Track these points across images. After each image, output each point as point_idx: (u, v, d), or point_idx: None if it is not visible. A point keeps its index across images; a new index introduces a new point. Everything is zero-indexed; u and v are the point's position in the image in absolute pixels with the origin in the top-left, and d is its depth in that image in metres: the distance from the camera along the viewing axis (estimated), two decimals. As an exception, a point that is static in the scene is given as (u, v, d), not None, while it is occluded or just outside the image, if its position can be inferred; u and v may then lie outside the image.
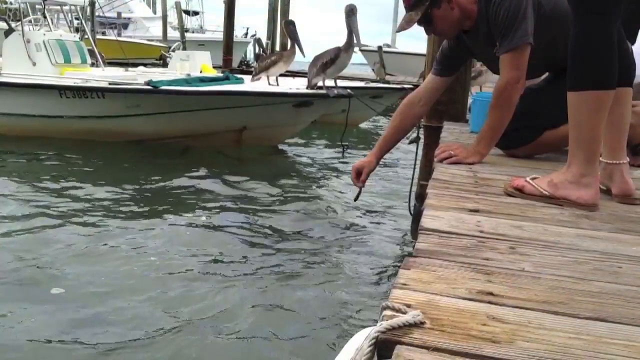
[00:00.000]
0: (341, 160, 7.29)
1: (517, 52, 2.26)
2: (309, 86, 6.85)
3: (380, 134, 10.91)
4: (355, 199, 3.01)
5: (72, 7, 10.44)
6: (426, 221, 1.43)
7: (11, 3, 11.08)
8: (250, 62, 19.27)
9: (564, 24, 1.82)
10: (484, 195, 1.79)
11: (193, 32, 27.81)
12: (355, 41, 5.96)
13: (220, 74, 9.28)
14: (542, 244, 1.33)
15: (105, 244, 3.75)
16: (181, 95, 7.02)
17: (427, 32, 2.60)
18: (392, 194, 5.56)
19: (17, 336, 2.56)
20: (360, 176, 2.64)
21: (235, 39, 18.26)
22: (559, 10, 2.27)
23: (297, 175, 6.61)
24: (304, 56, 7.42)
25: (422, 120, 3.98)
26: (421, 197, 3.82)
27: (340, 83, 7.81)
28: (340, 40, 6.13)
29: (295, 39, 7.33)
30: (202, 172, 6.08)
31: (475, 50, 2.55)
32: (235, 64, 17.60)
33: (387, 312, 0.89)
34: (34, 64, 8.31)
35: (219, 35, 20.84)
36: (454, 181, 1.97)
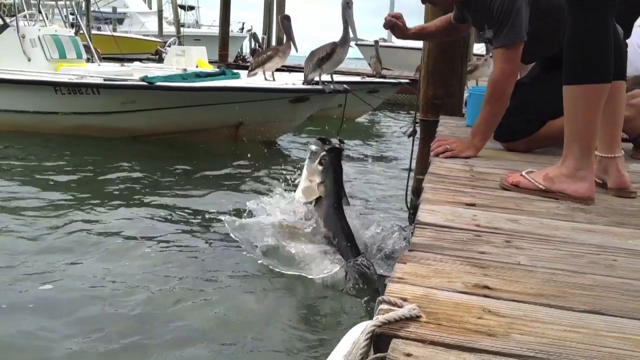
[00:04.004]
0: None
1: (511, 48, 2.30)
2: (306, 81, 6.84)
3: (377, 129, 10.91)
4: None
5: (67, 2, 10.41)
6: (422, 215, 1.44)
7: (6, -2, 11.05)
8: (247, 57, 19.22)
9: (559, 15, 1.83)
10: (480, 189, 1.80)
11: (189, 27, 27.71)
12: (351, 35, 5.94)
13: (217, 69, 9.25)
14: (537, 238, 1.33)
15: (97, 240, 3.73)
16: (176, 91, 7.00)
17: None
18: (390, 188, 5.56)
19: (6, 332, 2.56)
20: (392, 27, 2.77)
21: (231, 34, 18.23)
22: (555, 2, 2.29)
23: (293, 171, 6.60)
24: (297, 51, 7.41)
25: (419, 114, 4.00)
26: (418, 191, 3.82)
27: (337, 78, 7.80)
28: (338, 34, 6.11)
29: (289, 34, 7.32)
30: (198, 167, 6.07)
31: (472, 20, 2.59)
32: (231, 58, 17.57)
33: (384, 306, 0.89)
34: (29, 60, 8.28)
35: (215, 30, 20.81)
36: (450, 175, 1.98)
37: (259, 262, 3.22)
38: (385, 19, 2.79)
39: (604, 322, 0.91)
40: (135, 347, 2.47)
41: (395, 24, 2.76)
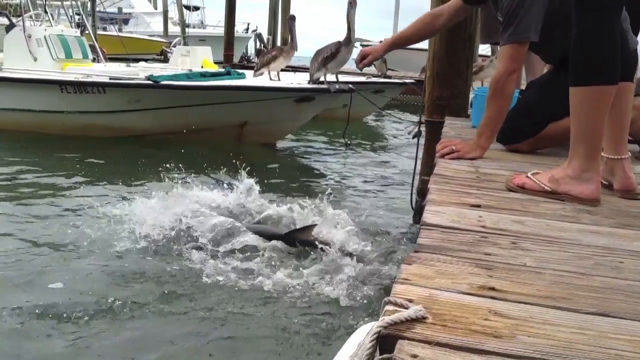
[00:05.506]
0: (343, 155, 7.28)
1: (516, 46, 2.28)
2: (311, 81, 6.85)
3: (383, 129, 10.91)
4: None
5: (73, 3, 10.44)
6: (428, 216, 1.43)
7: (12, -2, 11.12)
8: (251, 58, 19.23)
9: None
10: (485, 190, 1.79)
11: (194, 27, 27.76)
12: (351, 35, 5.96)
13: (222, 69, 9.28)
14: (543, 239, 1.33)
15: (102, 240, 3.74)
16: (182, 90, 7.01)
17: None
18: (395, 189, 5.56)
19: (14, 330, 2.57)
20: (364, 60, 2.90)
21: (236, 34, 18.25)
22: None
23: (298, 170, 6.61)
24: (296, 50, 7.48)
25: (424, 115, 3.99)
26: (423, 192, 3.82)
27: (342, 78, 7.81)
28: (340, 35, 6.13)
29: (291, 33, 7.40)
30: (202, 167, 6.07)
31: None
32: (236, 59, 17.58)
33: (389, 307, 0.89)
34: (35, 59, 8.32)
35: (220, 31, 20.83)
36: (456, 176, 1.98)
37: (265, 259, 3.23)
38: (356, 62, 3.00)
39: (611, 324, 0.90)
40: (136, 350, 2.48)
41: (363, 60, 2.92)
